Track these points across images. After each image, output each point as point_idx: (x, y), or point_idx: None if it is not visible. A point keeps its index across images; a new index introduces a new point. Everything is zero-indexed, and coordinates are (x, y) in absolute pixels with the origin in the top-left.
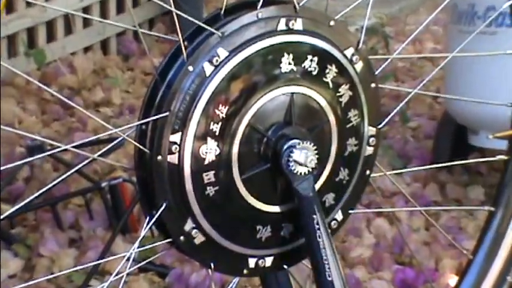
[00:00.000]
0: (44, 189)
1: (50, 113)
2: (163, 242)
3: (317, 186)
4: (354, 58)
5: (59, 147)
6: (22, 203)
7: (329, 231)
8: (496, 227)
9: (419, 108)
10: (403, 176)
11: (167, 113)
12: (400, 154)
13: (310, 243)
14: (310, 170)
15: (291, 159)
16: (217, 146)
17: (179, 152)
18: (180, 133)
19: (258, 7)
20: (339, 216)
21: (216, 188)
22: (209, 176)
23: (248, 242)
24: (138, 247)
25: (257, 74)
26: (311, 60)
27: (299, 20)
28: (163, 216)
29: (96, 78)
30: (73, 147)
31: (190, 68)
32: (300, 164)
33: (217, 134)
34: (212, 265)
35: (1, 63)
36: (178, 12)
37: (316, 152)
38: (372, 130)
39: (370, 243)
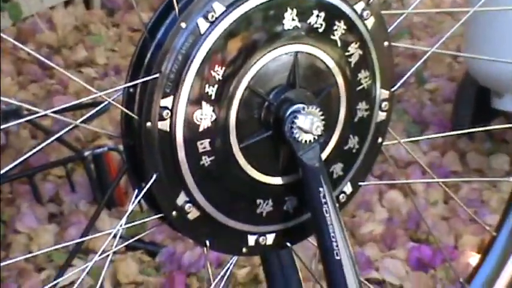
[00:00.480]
0: (21, 159)
1: (27, 74)
2: (154, 217)
3: (324, 155)
4: (365, 13)
5: (37, 112)
6: None
7: (337, 205)
8: None
9: (437, 68)
10: (419, 144)
11: (157, 75)
12: (416, 119)
13: (316, 219)
14: (316, 137)
15: (294, 125)
16: (213, 111)
17: (171, 117)
18: (171, 97)
19: None
20: (348, 188)
21: (212, 157)
22: (204, 145)
23: (247, 217)
24: (126, 223)
25: (257, 31)
26: (317, 16)
27: None
28: (154, 188)
29: (77, 35)
30: (52, 112)
31: (183, 25)
32: (305, 131)
33: (213, 98)
34: (207, 243)
35: None
36: None
37: (322, 117)
38: (384, 93)
39: (382, 219)
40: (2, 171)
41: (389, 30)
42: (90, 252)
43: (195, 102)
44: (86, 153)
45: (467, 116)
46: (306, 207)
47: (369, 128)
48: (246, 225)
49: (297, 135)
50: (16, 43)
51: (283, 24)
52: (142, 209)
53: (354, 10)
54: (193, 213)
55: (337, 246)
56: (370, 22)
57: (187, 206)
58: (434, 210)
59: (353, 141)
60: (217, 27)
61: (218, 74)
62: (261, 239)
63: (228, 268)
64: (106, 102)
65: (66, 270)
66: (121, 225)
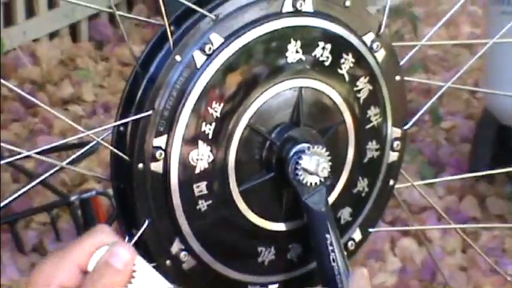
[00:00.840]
0: (2, 204)
1: (8, 112)
2: None
3: (330, 199)
4: (375, 45)
5: (19, 153)
6: None
7: (345, 253)
8: None
9: (454, 105)
10: (434, 187)
11: (150, 112)
12: (431, 160)
13: (323, 268)
14: (322, 179)
15: (299, 166)
16: (211, 151)
17: (165, 158)
18: (165, 136)
19: None
20: (357, 235)
21: (209, 201)
22: (201, 188)
23: (248, 266)
24: None
25: (258, 65)
26: (323, 48)
27: (308, 0)
28: (146, 235)
29: (63, 70)
30: (36, 153)
31: (178, 58)
32: (310, 173)
33: (210, 137)
34: None
35: None
36: None
37: (329, 158)
38: (396, 132)
39: (394, 269)
40: None
41: (401, 64)
42: None
43: (191, 141)
44: (73, 198)
45: (486, 157)
46: (311, 256)
47: (380, 170)
48: (246, 276)
49: (301, 177)
50: None
51: (286, 57)
52: None
53: (363, 42)
54: (188, 263)
55: None
56: (381, 55)
57: (182, 254)
58: (452, 260)
59: (362, 184)
60: (215, 61)
61: (216, 111)
62: None
63: None
64: (94, 142)
65: None
66: None
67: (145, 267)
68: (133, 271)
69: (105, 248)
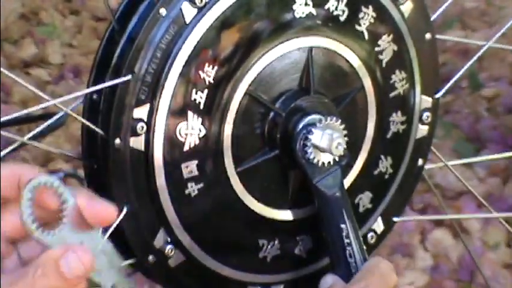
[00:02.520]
0: None
1: None
2: (124, 263)
3: (347, 182)
4: None
5: None
6: None
7: (364, 247)
8: None
9: (496, 68)
10: (473, 167)
11: (129, 77)
12: (469, 136)
13: (337, 265)
14: (337, 159)
15: (308, 143)
16: (202, 124)
17: (147, 133)
18: (148, 106)
19: None
20: (379, 226)
21: (200, 185)
22: (190, 168)
23: (247, 263)
24: None
25: (259, 20)
26: (338, 0)
27: None
28: (124, 225)
29: (24, 25)
30: None
31: (163, 11)
32: (322, 151)
33: (201, 107)
34: None
35: None
36: None
37: (345, 133)
38: (426, 101)
39: (426, 266)
40: None
41: (432, 19)
42: None
43: (179, 112)
44: None
45: None
46: (323, 250)
47: (406, 147)
48: (245, 274)
49: (311, 156)
50: None
51: (293, 10)
52: None
53: None
54: (176, 258)
55: None
56: (408, 8)
57: (168, 248)
58: (494, 256)
59: (385, 164)
60: (208, 14)
61: (209, 76)
62: None
63: None
64: (62, 113)
65: None
66: None
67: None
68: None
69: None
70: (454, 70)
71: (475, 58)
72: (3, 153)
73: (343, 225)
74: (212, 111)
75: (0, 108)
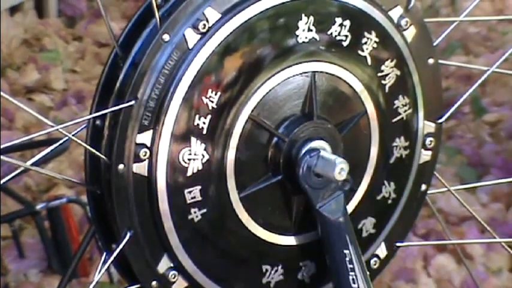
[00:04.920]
0: None
1: None
2: None
3: (350, 207)
4: (403, 22)
5: None
6: None
7: (368, 273)
8: None
9: (499, 94)
10: (476, 193)
11: (132, 102)
12: (471, 161)
13: None
14: (340, 184)
15: (311, 168)
16: (205, 149)
17: (150, 158)
18: (151, 131)
19: None
20: (382, 251)
21: (204, 210)
22: (193, 194)
23: None
24: None
25: (262, 46)
26: (341, 25)
27: None
28: (128, 251)
29: (27, 51)
30: None
31: (166, 37)
32: (325, 176)
33: (205, 132)
34: None
35: None
36: None
37: (348, 158)
38: (429, 126)
39: None
40: None
41: (435, 44)
42: None
43: (182, 138)
44: (39, 207)
45: None
46: (327, 276)
47: (409, 172)
48: None
49: (314, 181)
50: None
51: (296, 36)
52: (112, 280)
53: (389, 17)
54: (179, 284)
55: None
56: (411, 33)
57: (171, 274)
58: (497, 281)
59: (388, 189)
60: (211, 40)
61: (212, 102)
62: None
63: None
64: (65, 139)
65: None
66: None
67: None
68: None
69: None
70: (457, 95)
71: (478, 83)
72: (6, 178)
73: (346, 251)
74: (215, 136)
75: (0, 134)
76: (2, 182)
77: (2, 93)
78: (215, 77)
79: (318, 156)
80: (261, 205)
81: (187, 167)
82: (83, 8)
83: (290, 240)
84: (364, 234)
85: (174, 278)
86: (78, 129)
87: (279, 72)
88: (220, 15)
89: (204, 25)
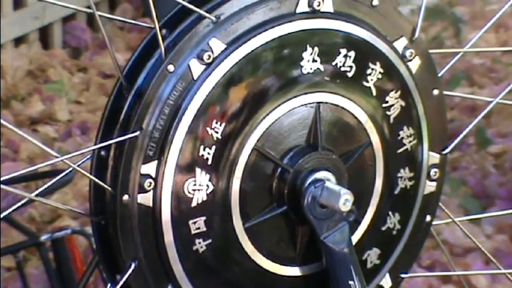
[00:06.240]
0: None
1: None
2: None
3: (354, 238)
4: (408, 53)
5: None
6: None
7: None
8: None
9: (504, 125)
10: (481, 224)
11: (137, 133)
12: (476, 192)
13: None
14: (345, 215)
15: (316, 199)
16: (210, 180)
17: (154, 189)
18: (155, 162)
19: None
20: (387, 282)
21: (208, 241)
22: (198, 224)
23: None
24: None
25: (267, 77)
26: (345, 56)
27: None
28: (132, 282)
29: (32, 82)
30: None
31: (171, 68)
32: (330, 207)
33: (209, 163)
34: None
35: None
36: None
37: (353, 189)
38: (434, 157)
39: None
40: None
41: (440, 75)
42: None
43: (187, 169)
44: (43, 238)
45: None
46: None
47: (414, 203)
48: None
49: (319, 212)
50: None
51: (301, 66)
52: None
53: (394, 49)
54: None
55: None
56: (415, 64)
57: None
58: None
59: (393, 220)
60: (216, 71)
61: (216, 132)
62: None
63: None
64: (69, 170)
65: None
66: None
67: None
68: None
69: None
70: (461, 126)
71: (482, 114)
72: (10, 209)
73: (351, 282)
74: (220, 167)
75: (1, 164)
76: (6, 212)
77: (7, 123)
78: (220, 108)
79: (323, 187)
80: (266, 236)
81: (192, 198)
82: (88, 39)
83: (295, 271)
84: (369, 265)
85: None
86: (83, 160)
87: (283, 103)
88: (225, 46)
89: (209, 56)
